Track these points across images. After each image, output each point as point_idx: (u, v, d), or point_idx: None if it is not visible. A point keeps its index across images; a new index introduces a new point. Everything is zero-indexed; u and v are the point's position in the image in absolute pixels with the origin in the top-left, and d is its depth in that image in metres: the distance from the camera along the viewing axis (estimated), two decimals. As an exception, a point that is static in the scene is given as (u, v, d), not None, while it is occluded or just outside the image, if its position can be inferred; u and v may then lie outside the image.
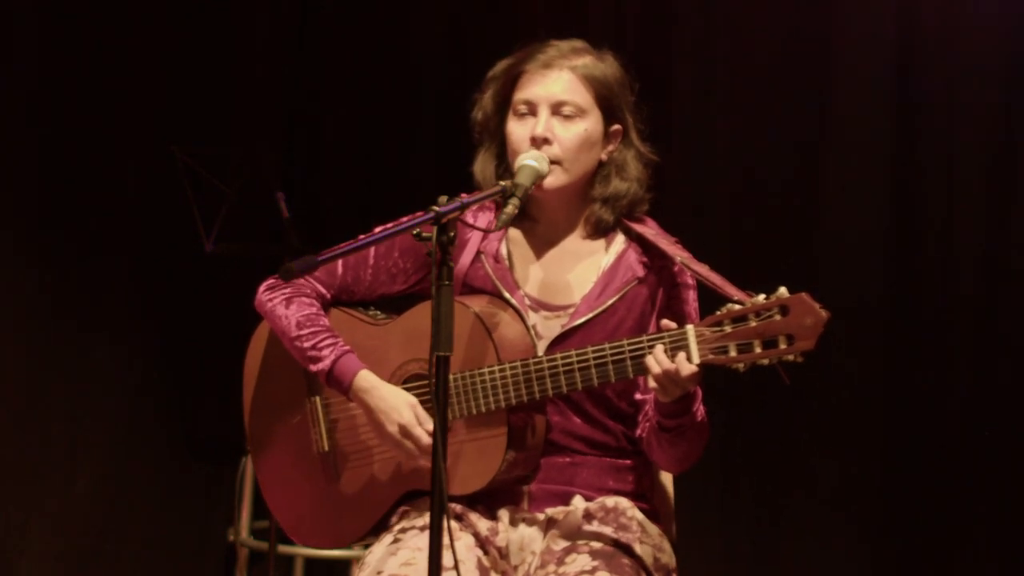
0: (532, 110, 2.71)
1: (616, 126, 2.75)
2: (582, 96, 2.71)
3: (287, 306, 2.76)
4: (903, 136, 4.00)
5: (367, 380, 2.69)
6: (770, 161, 4.14)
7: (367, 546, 2.76)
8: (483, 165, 2.77)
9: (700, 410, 2.61)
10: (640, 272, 2.72)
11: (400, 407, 2.65)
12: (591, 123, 2.71)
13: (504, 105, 2.76)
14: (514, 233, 2.79)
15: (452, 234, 2.37)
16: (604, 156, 2.74)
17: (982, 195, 3.92)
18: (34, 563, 4.26)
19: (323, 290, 2.81)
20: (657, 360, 2.47)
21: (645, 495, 2.77)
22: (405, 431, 2.64)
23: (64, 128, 4.30)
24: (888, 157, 4.02)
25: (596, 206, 2.74)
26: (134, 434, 4.49)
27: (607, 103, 2.73)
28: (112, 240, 4.41)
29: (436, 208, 2.37)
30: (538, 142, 2.67)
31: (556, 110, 2.70)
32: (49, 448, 4.31)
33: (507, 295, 2.72)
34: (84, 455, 4.38)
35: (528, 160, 2.63)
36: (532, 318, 2.72)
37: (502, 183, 2.59)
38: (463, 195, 2.49)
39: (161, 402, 4.58)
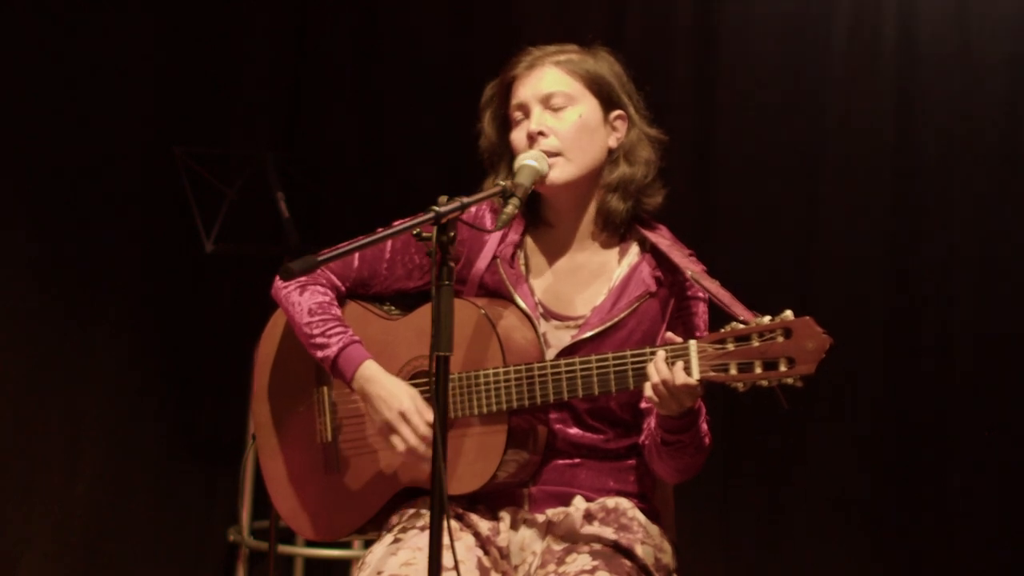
0: (526, 112, 2.72)
1: (617, 111, 2.74)
2: (569, 85, 2.71)
3: (301, 293, 2.79)
4: (904, 137, 4.01)
5: (370, 370, 2.70)
6: (770, 163, 4.14)
7: (367, 544, 2.76)
8: (492, 183, 2.75)
9: (704, 428, 2.61)
10: (652, 287, 2.72)
11: (401, 396, 2.66)
12: (585, 109, 2.71)
13: (504, 122, 2.77)
14: (530, 239, 2.79)
15: (452, 234, 2.37)
16: (612, 143, 2.74)
17: (983, 197, 3.92)
18: (34, 563, 4.27)
19: (338, 282, 2.83)
20: (657, 369, 2.47)
21: (646, 495, 2.77)
22: (404, 417, 2.63)
23: (64, 128, 4.31)
24: (889, 158, 4.02)
25: (607, 195, 2.73)
26: (134, 434, 4.50)
27: (601, 90, 2.73)
28: (112, 240, 4.41)
29: (436, 208, 2.37)
30: (534, 137, 2.68)
31: (547, 104, 2.70)
32: (49, 448, 4.31)
33: (520, 301, 2.72)
34: (84, 455, 4.39)
35: (528, 160, 2.63)
36: (543, 326, 2.72)
37: (502, 183, 2.59)
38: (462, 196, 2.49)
39: (161, 402, 4.58)
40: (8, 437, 4.22)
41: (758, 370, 2.40)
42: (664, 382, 2.45)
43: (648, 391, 2.47)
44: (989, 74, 3.92)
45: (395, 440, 2.65)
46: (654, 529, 2.71)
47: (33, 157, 4.25)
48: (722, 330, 2.44)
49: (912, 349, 3.99)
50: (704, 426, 2.61)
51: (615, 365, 2.54)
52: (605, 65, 2.76)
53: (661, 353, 2.47)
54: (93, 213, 4.37)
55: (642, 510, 2.72)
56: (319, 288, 2.80)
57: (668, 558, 2.71)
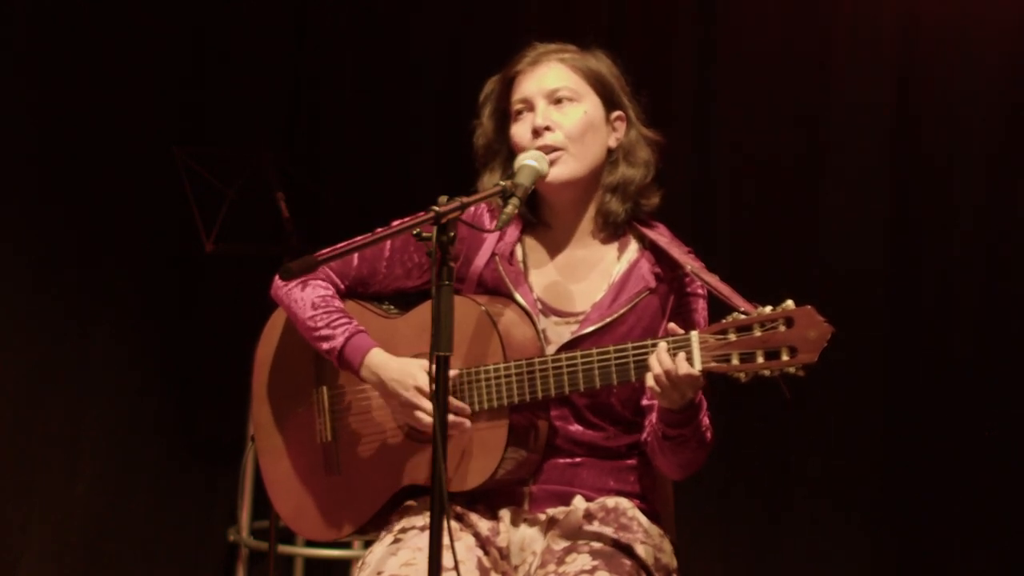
0: (529, 106, 2.72)
1: (617, 112, 2.75)
2: (575, 82, 2.72)
3: (302, 289, 2.79)
4: (903, 136, 4.01)
5: (378, 357, 2.70)
6: (769, 164, 4.14)
7: (367, 544, 2.77)
8: (489, 180, 2.76)
9: (705, 422, 2.61)
10: (652, 283, 2.72)
11: (414, 372, 2.66)
12: (589, 106, 2.72)
13: (504, 117, 2.77)
14: (529, 238, 2.79)
15: (452, 234, 2.37)
16: (612, 143, 2.75)
17: (982, 197, 3.92)
18: (34, 563, 4.27)
19: (338, 280, 2.83)
20: (659, 360, 2.47)
21: (646, 495, 2.77)
22: (422, 391, 2.63)
23: (64, 128, 4.31)
24: (888, 158, 4.02)
25: (606, 196, 2.73)
26: (134, 434, 4.49)
27: (602, 89, 2.74)
28: (112, 240, 4.41)
29: (436, 208, 2.38)
30: (539, 132, 2.68)
31: (552, 99, 2.71)
32: (49, 448, 4.31)
33: (519, 297, 2.72)
34: (84, 455, 4.39)
35: (528, 160, 2.63)
36: (542, 322, 2.72)
37: (502, 183, 2.59)
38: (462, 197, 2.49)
39: (161, 402, 4.58)
40: (8, 437, 4.22)
41: (760, 360, 2.40)
42: (666, 373, 2.45)
43: (650, 382, 2.47)
44: (990, 73, 3.92)
45: (420, 416, 2.64)
46: (654, 529, 2.71)
47: (33, 157, 4.25)
48: (724, 320, 2.44)
49: (913, 349, 3.99)
50: (706, 420, 2.61)
51: (616, 357, 2.54)
52: (604, 66, 2.77)
53: (663, 344, 2.48)
54: (93, 213, 4.37)
55: (642, 510, 2.72)
56: (320, 283, 2.81)
57: (668, 558, 2.71)
